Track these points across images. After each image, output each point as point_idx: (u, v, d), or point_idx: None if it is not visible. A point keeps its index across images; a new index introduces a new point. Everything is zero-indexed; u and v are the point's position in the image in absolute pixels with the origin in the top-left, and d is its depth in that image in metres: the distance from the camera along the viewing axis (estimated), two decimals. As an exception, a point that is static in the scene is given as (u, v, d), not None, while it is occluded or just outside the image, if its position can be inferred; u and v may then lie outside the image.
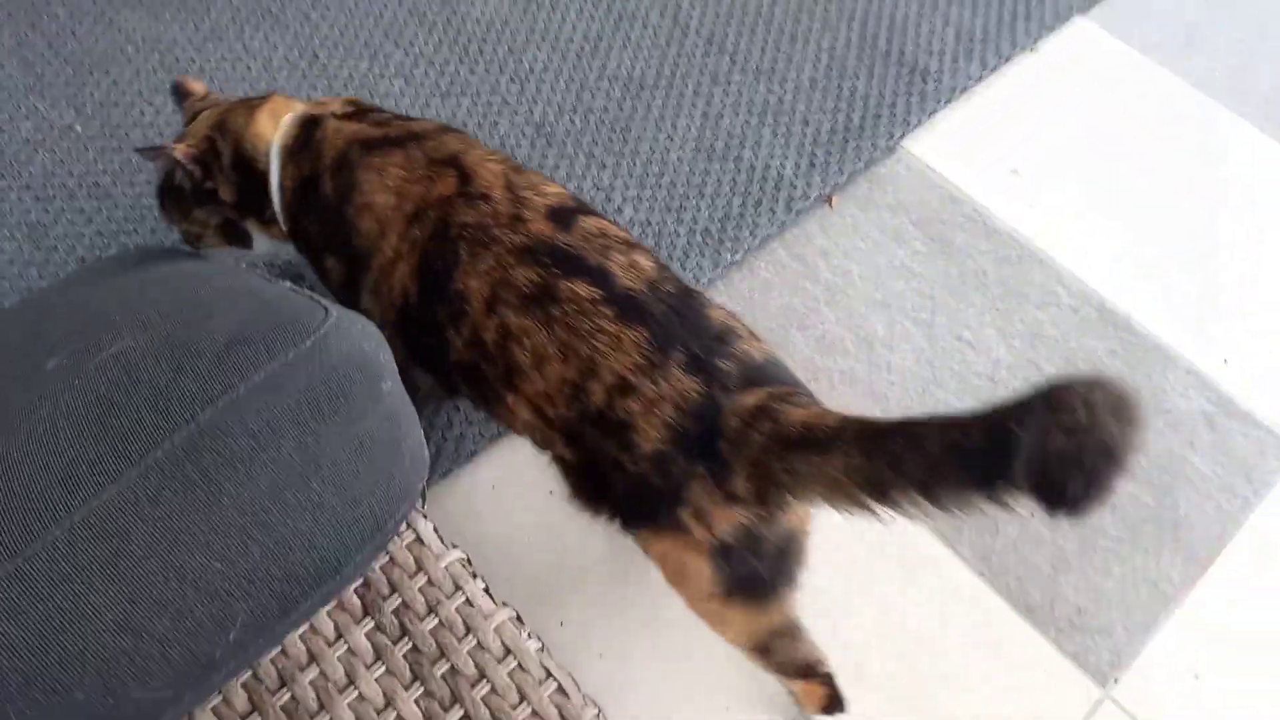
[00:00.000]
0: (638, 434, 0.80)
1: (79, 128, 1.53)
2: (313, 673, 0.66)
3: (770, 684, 1.13)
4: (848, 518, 0.77)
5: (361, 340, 0.54)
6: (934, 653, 1.19)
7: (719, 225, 1.49)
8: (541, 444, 0.92)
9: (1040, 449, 0.62)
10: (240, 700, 0.65)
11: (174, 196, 1.15)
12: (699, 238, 1.48)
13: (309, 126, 1.04)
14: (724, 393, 0.80)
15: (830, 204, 1.55)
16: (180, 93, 1.21)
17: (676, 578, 0.89)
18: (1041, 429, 0.62)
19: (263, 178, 1.05)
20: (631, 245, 0.92)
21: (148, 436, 0.48)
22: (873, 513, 0.74)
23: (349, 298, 1.00)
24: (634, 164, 1.55)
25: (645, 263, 0.90)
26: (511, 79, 1.63)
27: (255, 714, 0.65)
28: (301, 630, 0.67)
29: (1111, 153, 1.63)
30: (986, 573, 1.24)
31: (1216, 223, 1.56)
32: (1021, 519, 1.28)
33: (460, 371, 0.92)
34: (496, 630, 0.68)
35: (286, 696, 0.65)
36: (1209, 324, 1.46)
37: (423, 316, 0.92)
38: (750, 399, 0.80)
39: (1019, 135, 1.64)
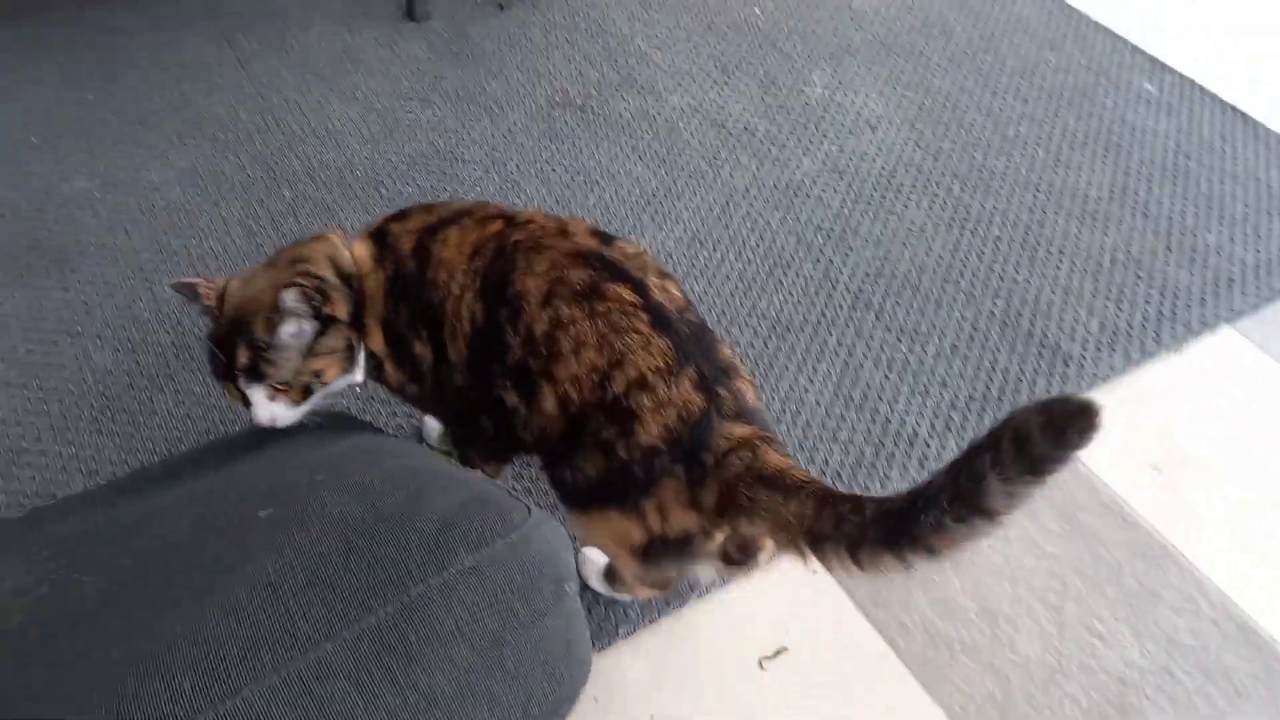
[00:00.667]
0: (641, 426, 0.94)
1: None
2: None
3: None
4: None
5: (554, 539, 0.58)
6: None
7: (850, 471, 1.51)
8: (542, 440, 1.03)
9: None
10: None
11: (279, 353, 1.06)
12: (829, 479, 1.50)
13: (380, 236, 1.16)
14: (719, 416, 0.95)
15: (962, 469, 1.55)
16: (189, 291, 1.14)
17: (611, 535, 1.03)
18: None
19: (360, 292, 1.13)
20: (664, 274, 1.08)
21: (363, 602, 0.52)
22: (801, 555, 0.89)
23: (439, 373, 1.11)
24: (772, 400, 1.61)
25: (675, 291, 1.06)
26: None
27: None
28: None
29: (1248, 459, 1.60)
30: None
31: (1372, 553, 1.49)
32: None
33: (513, 377, 1.03)
34: None
35: None
36: (1365, 661, 1.36)
37: (487, 329, 1.04)
38: (740, 430, 0.95)
39: (1161, 432, 1.63)
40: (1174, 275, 1.89)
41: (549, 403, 1.01)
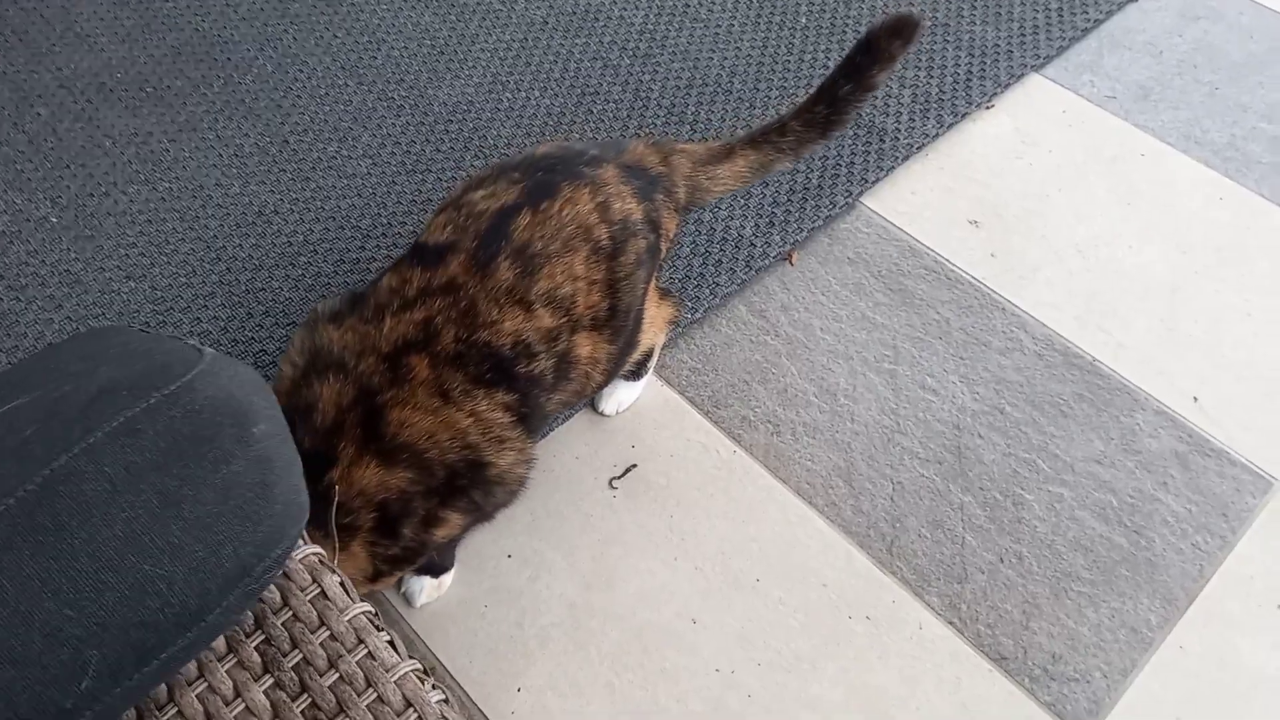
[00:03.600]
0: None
1: (54, 219, 1.57)
2: (208, 731, 0.65)
3: (732, 747, 1.10)
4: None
5: (231, 384, 0.55)
6: (905, 709, 1.15)
7: (679, 286, 1.50)
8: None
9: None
10: (134, 763, 0.64)
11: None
12: (663, 287, 1.49)
13: None
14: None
15: (791, 261, 1.56)
16: None
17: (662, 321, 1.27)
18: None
19: None
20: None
21: (3, 486, 0.48)
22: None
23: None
24: (595, 230, 1.57)
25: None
26: (476, 154, 1.68)
27: (148, 776, 0.63)
28: (199, 688, 0.66)
29: (1068, 200, 1.64)
30: (956, 622, 1.21)
31: (1178, 261, 1.56)
32: (991, 564, 1.25)
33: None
34: (398, 684, 0.67)
35: (180, 757, 0.64)
36: (1176, 362, 1.44)
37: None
38: (653, 157, 1.14)
39: (978, 188, 1.65)
40: (980, 33, 1.88)
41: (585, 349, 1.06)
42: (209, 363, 0.55)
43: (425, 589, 1.20)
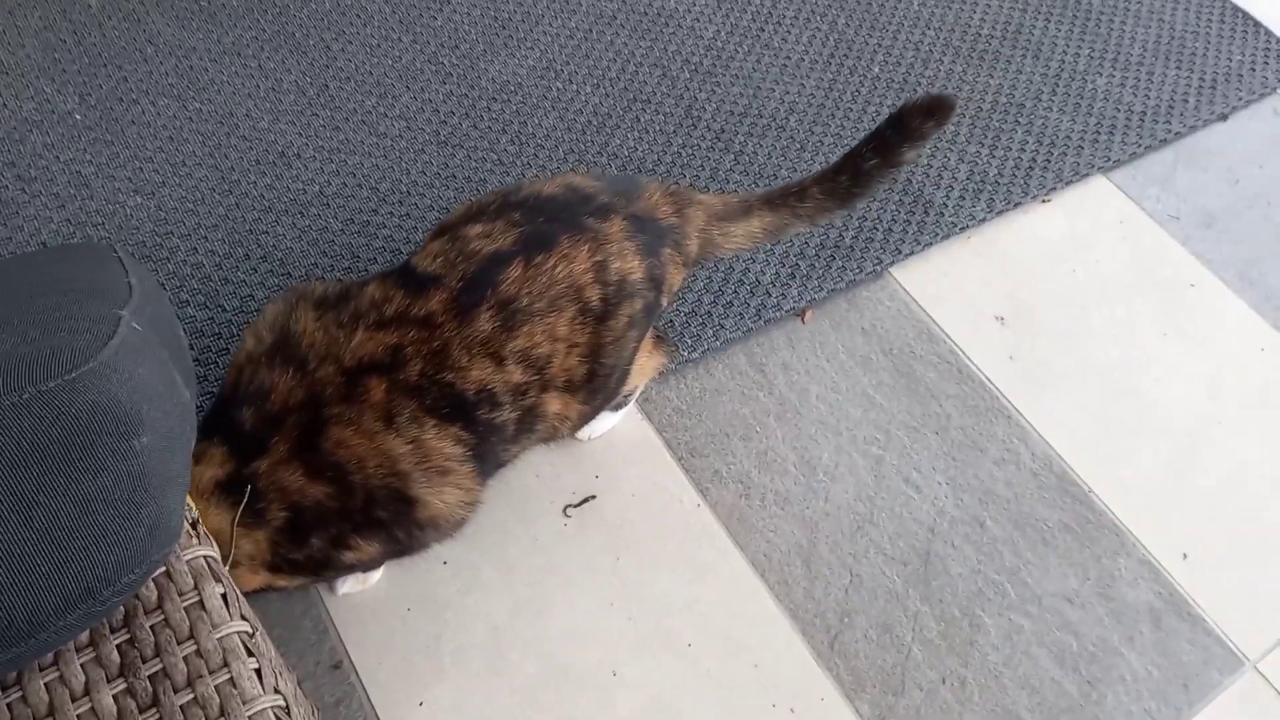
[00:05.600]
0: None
1: (79, 116, 1.55)
2: (46, 727, 0.61)
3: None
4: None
5: (120, 389, 0.51)
6: (807, 814, 1.10)
7: (683, 320, 1.45)
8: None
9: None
10: (-38, 742, 0.61)
11: None
12: (661, 328, 1.44)
13: None
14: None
15: (804, 319, 1.50)
16: None
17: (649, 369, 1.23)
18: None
19: None
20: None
21: None
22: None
23: None
24: (613, 244, 1.52)
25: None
26: (512, 140, 1.63)
27: (-27, 762, 0.60)
28: (49, 676, 0.63)
29: (1104, 315, 1.57)
30: (881, 737, 1.16)
31: (1203, 405, 1.48)
32: (932, 683, 1.19)
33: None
34: (252, 718, 0.63)
35: (11, 748, 0.60)
36: (1175, 512, 1.37)
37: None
38: (666, 206, 1.09)
39: (1014, 284, 1.59)
40: (1055, 121, 1.80)
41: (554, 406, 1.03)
42: (107, 357, 0.51)
43: (350, 579, 1.16)
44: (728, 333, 1.45)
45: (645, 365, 1.18)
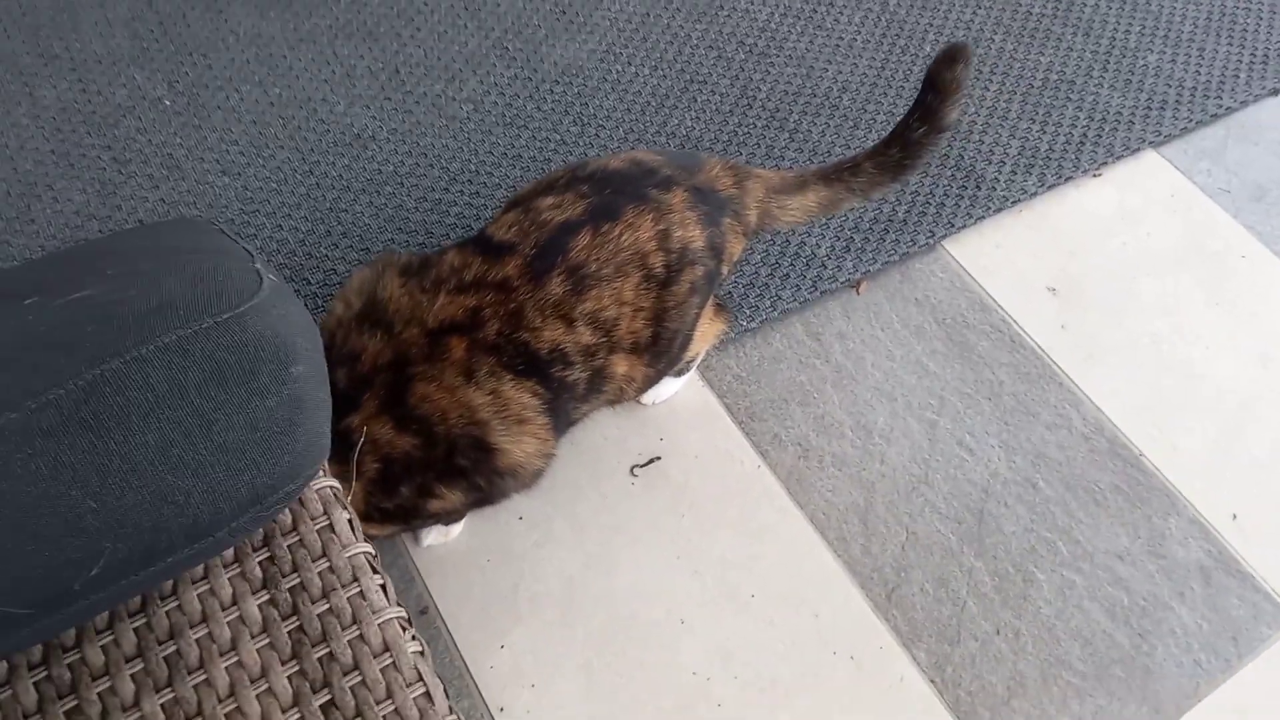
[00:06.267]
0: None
1: (168, 102, 1.64)
2: (201, 631, 0.69)
3: (690, 750, 1.12)
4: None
5: (279, 323, 0.58)
6: (867, 754, 1.16)
7: (742, 291, 1.51)
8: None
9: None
10: (129, 643, 0.69)
11: None
12: (721, 298, 1.50)
13: None
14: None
15: (858, 289, 1.55)
16: None
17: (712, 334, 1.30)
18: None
19: None
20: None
21: (52, 376, 0.52)
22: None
23: None
24: (673, 219, 1.58)
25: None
26: (575, 121, 1.69)
27: (139, 659, 0.68)
28: (201, 588, 0.71)
29: (1155, 287, 1.60)
30: (938, 681, 1.21)
31: (1255, 375, 1.51)
32: (986, 634, 1.25)
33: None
34: (380, 627, 0.70)
35: (172, 648, 0.68)
36: (1225, 476, 1.41)
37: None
38: (727, 179, 1.14)
39: (1065, 256, 1.62)
40: (1105, 97, 1.83)
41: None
42: (264, 296, 0.58)
43: (434, 531, 1.24)
44: (785, 303, 1.51)
45: (707, 331, 1.24)
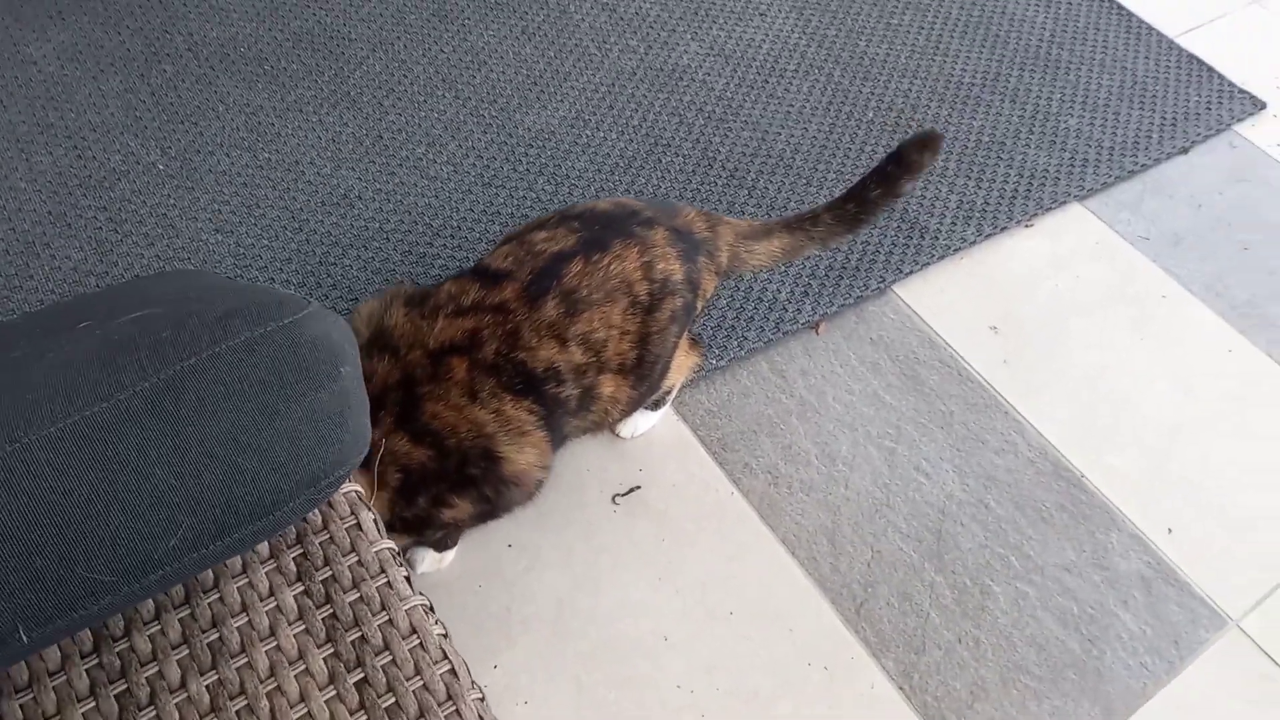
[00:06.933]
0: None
1: (161, 166, 1.72)
2: (242, 619, 0.75)
3: (678, 757, 1.19)
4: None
5: (331, 329, 0.67)
6: (843, 758, 1.23)
7: (710, 333, 1.62)
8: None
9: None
10: (174, 632, 0.75)
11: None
12: (695, 334, 1.60)
13: None
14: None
15: (817, 330, 1.67)
16: None
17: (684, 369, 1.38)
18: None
19: None
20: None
21: (140, 372, 0.60)
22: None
23: None
24: (643, 269, 1.70)
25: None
26: (549, 181, 1.81)
27: (184, 646, 0.74)
28: (240, 581, 0.77)
29: (1086, 325, 1.74)
30: (906, 688, 1.29)
31: (1180, 402, 1.65)
32: (949, 643, 1.33)
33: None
34: (407, 612, 0.77)
35: (215, 635, 0.74)
36: (1159, 494, 1.53)
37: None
38: (701, 223, 1.26)
39: (1004, 298, 1.76)
40: (1033, 156, 2.00)
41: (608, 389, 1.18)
42: (315, 309, 0.67)
43: (428, 559, 1.30)
44: (750, 343, 1.62)
45: (682, 363, 1.34)
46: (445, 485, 1.08)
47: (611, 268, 1.12)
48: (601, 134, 1.91)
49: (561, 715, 1.23)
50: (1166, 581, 1.43)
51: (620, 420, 1.30)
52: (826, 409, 1.57)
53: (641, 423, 1.47)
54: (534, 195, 1.78)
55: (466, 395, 1.07)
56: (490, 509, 1.14)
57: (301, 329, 0.65)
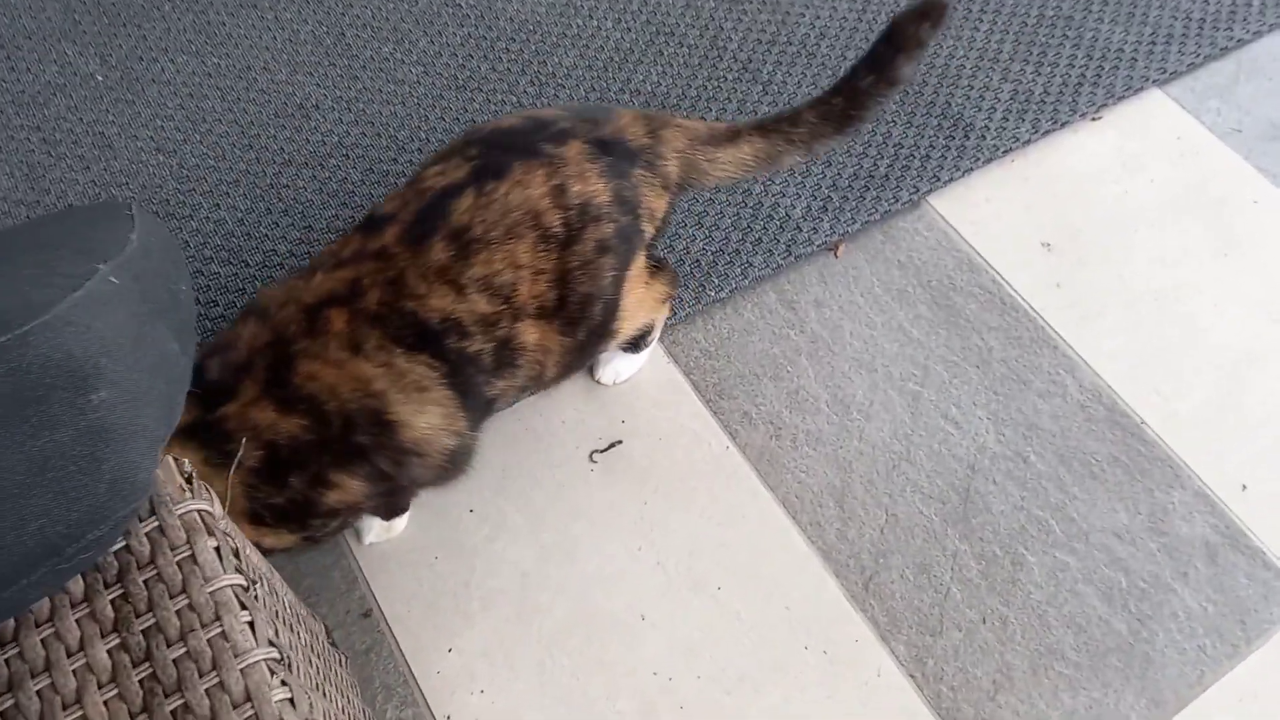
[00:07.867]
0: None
1: (100, 77, 1.55)
2: (43, 682, 0.62)
3: (649, 759, 1.05)
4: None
5: (76, 341, 0.49)
6: (841, 756, 1.09)
7: (710, 258, 1.41)
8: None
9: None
10: (-36, 697, 0.61)
11: None
12: (687, 267, 1.40)
13: None
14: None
15: (836, 253, 1.45)
16: None
17: (648, 306, 1.16)
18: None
19: None
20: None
21: None
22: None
23: None
24: (636, 183, 1.48)
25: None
26: (532, 81, 1.59)
27: (-26, 715, 0.61)
28: (46, 632, 0.63)
29: (1157, 238, 1.48)
30: (918, 675, 1.13)
31: (1263, 330, 1.40)
32: (971, 623, 1.16)
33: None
34: (243, 672, 0.62)
35: (9, 703, 0.61)
36: (1232, 443, 1.30)
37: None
38: (637, 129, 1.05)
39: (1060, 208, 1.50)
40: (1105, 33, 1.69)
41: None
42: (63, 310, 0.50)
43: (375, 528, 1.16)
44: (756, 270, 1.40)
45: (644, 297, 1.14)
46: (327, 459, 0.92)
47: (510, 197, 0.94)
48: (595, 22, 1.67)
49: (521, 705, 1.10)
50: (1236, 548, 1.22)
51: (562, 376, 1.11)
52: (842, 346, 1.36)
53: (623, 367, 1.29)
54: (514, 99, 1.56)
55: (348, 348, 0.90)
56: (391, 487, 0.99)
57: (25, 349, 0.48)
